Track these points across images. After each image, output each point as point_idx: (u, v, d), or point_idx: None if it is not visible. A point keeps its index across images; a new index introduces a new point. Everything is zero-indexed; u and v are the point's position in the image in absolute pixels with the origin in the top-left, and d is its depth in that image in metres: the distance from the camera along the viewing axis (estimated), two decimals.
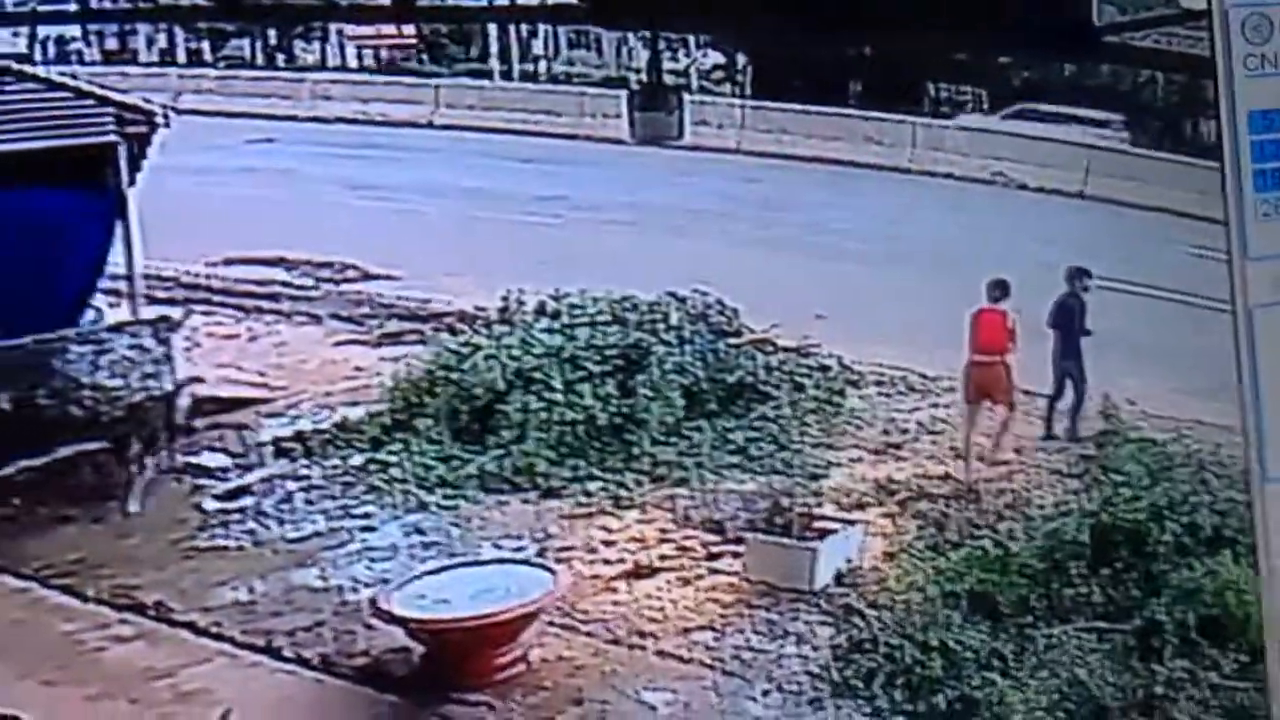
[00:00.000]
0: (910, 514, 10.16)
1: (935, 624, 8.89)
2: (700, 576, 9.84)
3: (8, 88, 11.67)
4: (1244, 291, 7.33)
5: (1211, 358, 7.29)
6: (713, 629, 9.37)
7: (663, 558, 10.03)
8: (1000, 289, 10.15)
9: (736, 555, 9.88)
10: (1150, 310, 9.90)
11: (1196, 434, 9.68)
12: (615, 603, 9.63)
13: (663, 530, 10.30)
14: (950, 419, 10.75)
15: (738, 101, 11.23)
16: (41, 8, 11.13)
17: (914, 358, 10.90)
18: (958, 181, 11.26)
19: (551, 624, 9.25)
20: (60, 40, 11.83)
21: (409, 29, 11.56)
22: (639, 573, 9.91)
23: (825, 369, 11.10)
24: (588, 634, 9.33)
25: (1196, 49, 7.60)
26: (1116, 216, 10.28)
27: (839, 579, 9.60)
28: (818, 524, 9.88)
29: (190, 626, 9.63)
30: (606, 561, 10.03)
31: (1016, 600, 8.92)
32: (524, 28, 11.39)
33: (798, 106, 11.24)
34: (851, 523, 9.97)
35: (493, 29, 11.45)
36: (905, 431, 11.10)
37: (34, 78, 11.94)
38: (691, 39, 10.93)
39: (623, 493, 10.70)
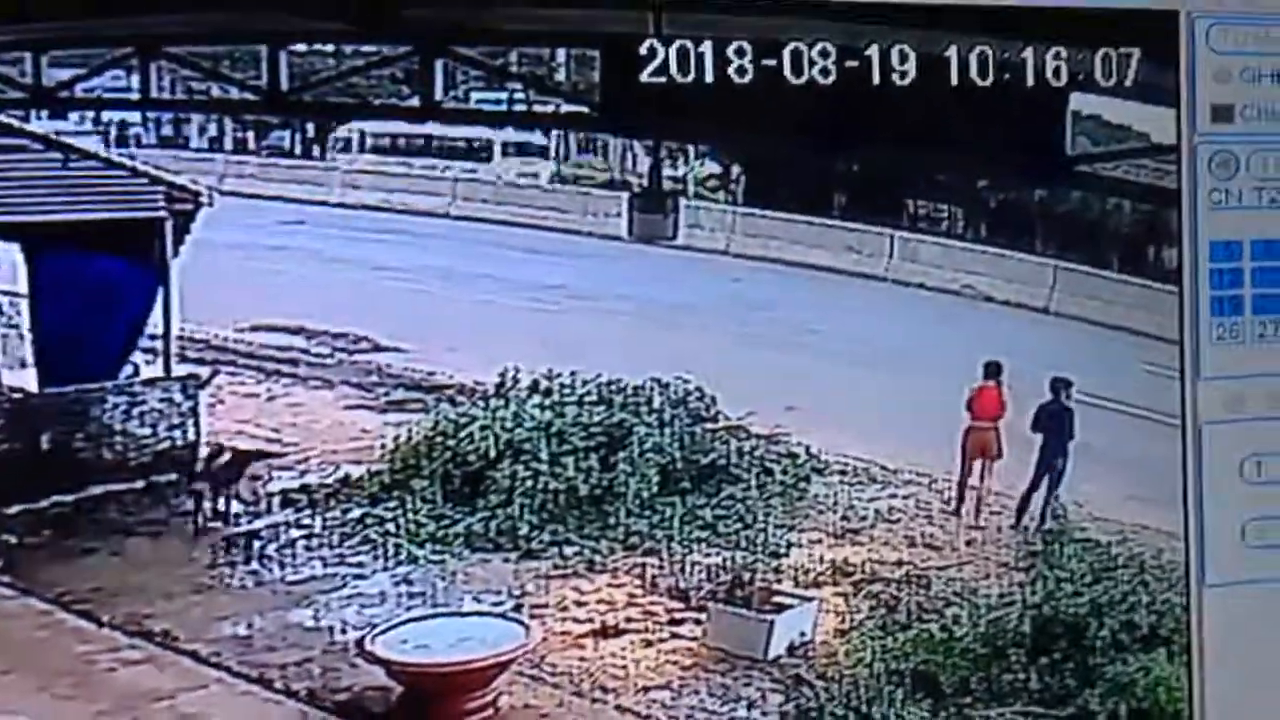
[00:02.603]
0: (863, 595, 9.49)
1: (880, 699, 8.47)
2: (663, 640, 9.38)
3: (72, 164, 11.20)
4: (1194, 408, 6.72)
5: (1159, 468, 6.84)
6: (670, 689, 8.98)
7: (629, 620, 9.51)
8: (995, 368, 9.70)
9: (698, 622, 9.42)
10: (1104, 420, 9.42)
11: (1140, 538, 8.99)
12: (582, 659, 9.16)
13: (631, 595, 9.74)
14: (906, 509, 10.27)
15: (729, 208, 10.74)
16: (106, 95, 10.58)
17: (877, 451, 10.40)
18: (930, 292, 10.81)
19: (521, 674, 8.91)
20: (121, 125, 11.28)
21: (434, 128, 11.10)
22: (606, 632, 9.39)
23: (793, 456, 10.64)
24: (554, 686, 8.96)
25: (1163, 181, 7.11)
26: (1078, 332, 9.77)
27: (792, 650, 9.11)
28: (775, 598, 9.37)
29: (193, 655, 9.28)
30: (576, 620, 9.48)
31: (958, 682, 8.43)
32: (538, 133, 10.96)
33: (785, 215, 10.77)
34: (808, 599, 9.41)
35: (510, 132, 11.02)
36: (864, 518, 10.29)
37: (95, 156, 11.48)
38: (690, 149, 10.45)
39: (596, 558, 10.05)
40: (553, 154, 11.23)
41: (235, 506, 11.26)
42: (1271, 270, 6.90)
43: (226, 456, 11.65)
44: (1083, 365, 9.40)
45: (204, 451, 11.20)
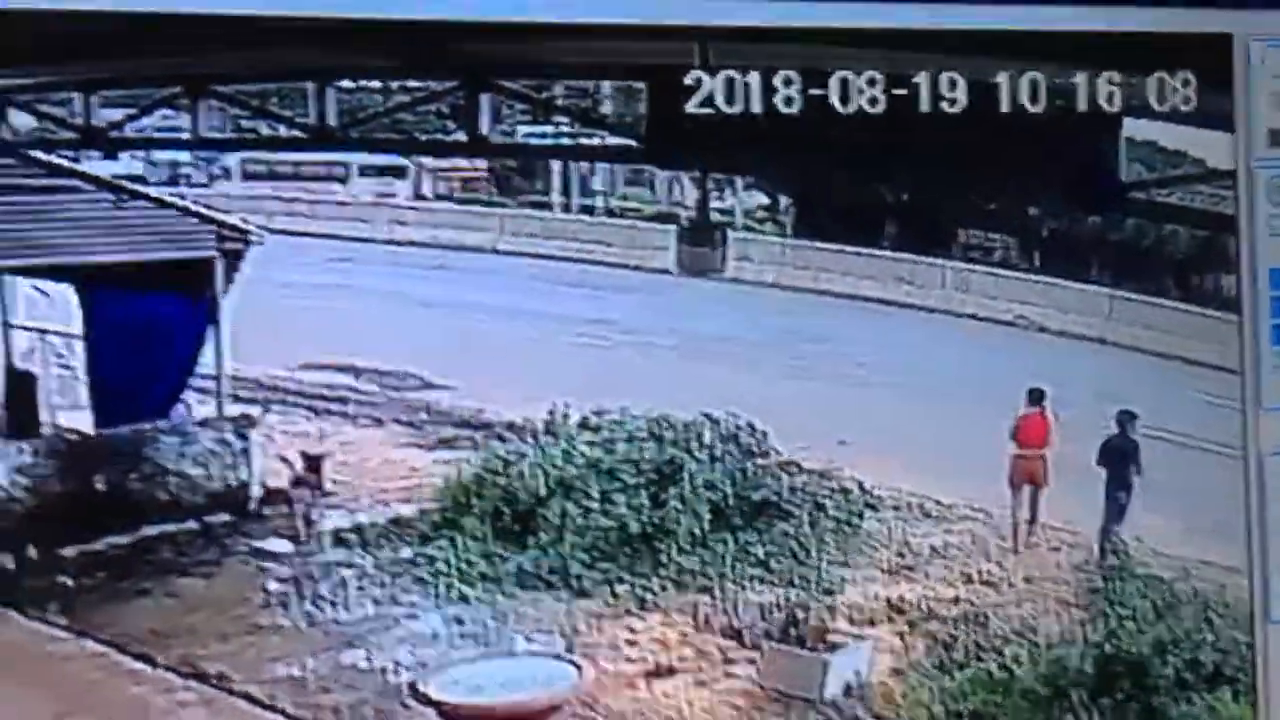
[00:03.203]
0: (919, 633, 9.31)
1: None
2: (716, 680, 9.16)
3: (124, 205, 11.07)
4: (1256, 439, 6.39)
5: (1221, 502, 6.54)
6: None
7: (681, 659, 9.33)
8: (1038, 395, 9.44)
9: (751, 662, 9.19)
10: (1164, 453, 9.15)
11: (1203, 573, 8.74)
12: (635, 699, 9.01)
13: (683, 634, 9.56)
14: (963, 545, 10.01)
15: (778, 240, 10.55)
16: (157, 135, 10.45)
17: (931, 485, 10.15)
18: (982, 322, 10.57)
19: (574, 715, 8.70)
20: (172, 164, 11.18)
21: (481, 163, 10.95)
22: (659, 672, 9.22)
23: (846, 492, 10.43)
24: None
25: (1220, 206, 6.85)
26: (1135, 362, 9.50)
27: (847, 691, 8.88)
28: (830, 637, 9.20)
29: (247, 696, 9.18)
30: (629, 660, 9.31)
31: None
32: (585, 165, 10.79)
33: (835, 246, 10.55)
34: (862, 638, 9.23)
35: (556, 166, 10.86)
36: (918, 555, 10.09)
37: (147, 197, 11.35)
38: (738, 180, 10.26)
39: (648, 596, 9.87)
40: (600, 187, 11.05)
41: (284, 545, 11.23)
42: None
43: (300, 464, 11.65)
44: (1140, 396, 9.18)
45: (286, 470, 10.99)
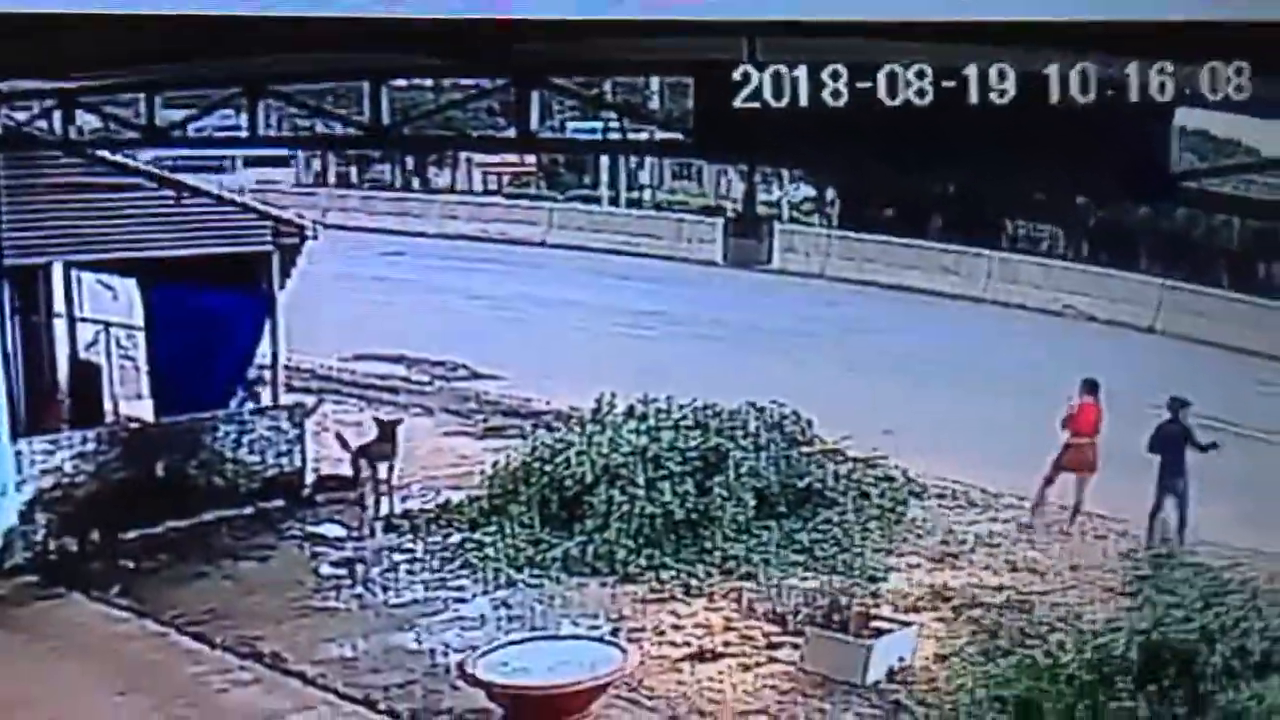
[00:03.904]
0: (963, 620, 9.05)
1: None
2: (760, 664, 8.76)
3: (185, 200, 10.79)
4: None
5: (1272, 490, 6.11)
6: (768, 714, 8.24)
7: (726, 644, 9.00)
8: (1092, 385, 9.03)
9: (795, 647, 8.84)
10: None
11: (1253, 562, 8.60)
12: (679, 682, 8.57)
13: (728, 619, 9.31)
14: (1007, 533, 9.71)
15: (824, 231, 10.29)
16: (216, 133, 10.17)
17: (977, 474, 9.83)
18: (1029, 312, 10.20)
19: (620, 697, 8.32)
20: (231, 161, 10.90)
21: (529, 158, 10.69)
22: (703, 656, 8.87)
23: (890, 479, 10.19)
24: (652, 709, 8.36)
25: (1275, 195, 6.42)
26: (1186, 351, 9.08)
27: (891, 676, 8.45)
28: (874, 623, 8.80)
29: (300, 676, 8.89)
30: (674, 644, 9.01)
31: (1063, 710, 7.55)
32: (632, 159, 10.49)
33: (881, 237, 10.22)
34: (906, 624, 8.90)
35: (604, 160, 10.58)
36: (963, 542, 10.07)
37: (207, 194, 11.07)
38: (785, 173, 9.95)
39: (693, 582, 9.69)
40: (647, 181, 10.76)
41: (337, 530, 10.94)
42: None
43: (375, 433, 11.45)
44: (1192, 385, 8.86)
45: (362, 438, 11.17)
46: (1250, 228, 8.64)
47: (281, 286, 11.32)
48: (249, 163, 10.95)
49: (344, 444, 10.99)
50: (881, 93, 6.66)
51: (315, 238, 11.19)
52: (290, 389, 11.65)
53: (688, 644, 8.99)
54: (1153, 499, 9.43)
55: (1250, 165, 7.18)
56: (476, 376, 10.97)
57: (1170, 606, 8.10)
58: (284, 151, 10.69)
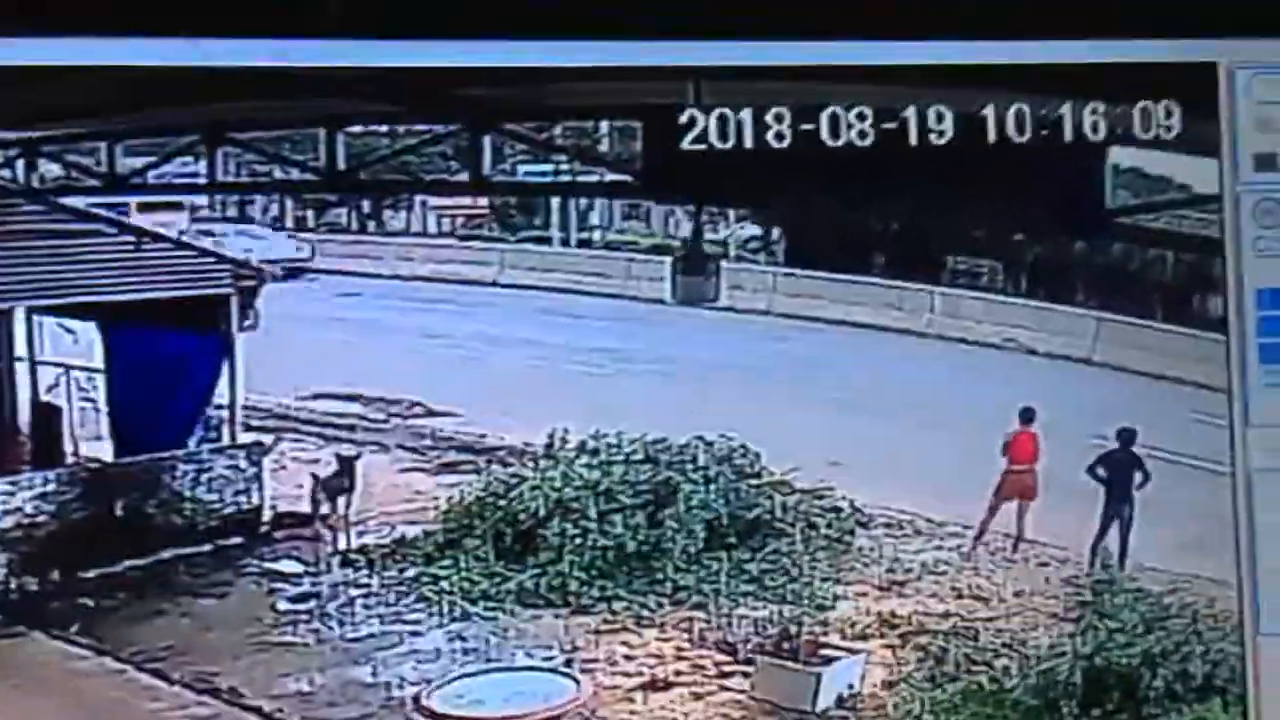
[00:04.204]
0: (910, 647, 8.90)
1: None
2: (711, 692, 8.81)
3: (145, 247, 10.79)
4: (1245, 456, 5.96)
5: (1210, 517, 6.18)
6: None
7: (678, 673, 8.97)
8: (1028, 414, 9.12)
9: (746, 675, 8.86)
10: (1153, 470, 8.83)
11: (1193, 587, 8.35)
12: (632, 711, 8.67)
13: (679, 648, 9.18)
14: (952, 561, 9.66)
15: (770, 269, 10.24)
16: (176, 180, 10.20)
17: (922, 504, 9.83)
18: (971, 346, 10.25)
19: None
20: (191, 208, 10.90)
21: (482, 200, 10.68)
22: (655, 685, 8.88)
23: (838, 510, 10.11)
24: None
25: (1206, 230, 6.51)
26: (1123, 382, 9.16)
27: (840, 703, 8.52)
28: (823, 651, 8.81)
29: (258, 711, 8.94)
30: (626, 674, 8.96)
31: None
32: (582, 201, 10.51)
33: (825, 274, 10.24)
34: (855, 652, 8.83)
35: (555, 201, 10.58)
36: (909, 571, 9.73)
37: (166, 238, 11.06)
38: (731, 213, 9.95)
39: (645, 613, 9.49)
40: (597, 222, 10.83)
41: (294, 566, 10.93)
42: None
43: (334, 466, 11.28)
44: (1129, 415, 8.87)
45: (321, 471, 10.73)
46: (1183, 262, 8.67)
47: (240, 328, 11.37)
48: (141, 209, 11.03)
49: (316, 480, 11.02)
50: (824, 134, 6.78)
51: (273, 280, 11.26)
52: (248, 428, 11.46)
53: (640, 673, 9.00)
54: (1097, 526, 9.48)
55: (1181, 201, 7.29)
56: (431, 414, 10.90)
57: (1113, 631, 8.18)
58: (176, 198, 10.79)
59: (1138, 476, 9.21)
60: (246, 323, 10.81)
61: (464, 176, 9.21)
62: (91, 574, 10.19)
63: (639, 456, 10.37)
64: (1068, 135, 6.65)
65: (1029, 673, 8.14)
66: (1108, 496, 9.20)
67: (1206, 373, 6.72)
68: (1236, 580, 6.48)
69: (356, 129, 9.45)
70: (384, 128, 9.67)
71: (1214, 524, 6.60)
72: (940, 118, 6.62)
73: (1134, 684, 7.82)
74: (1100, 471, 9.41)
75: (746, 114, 6.65)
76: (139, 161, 9.71)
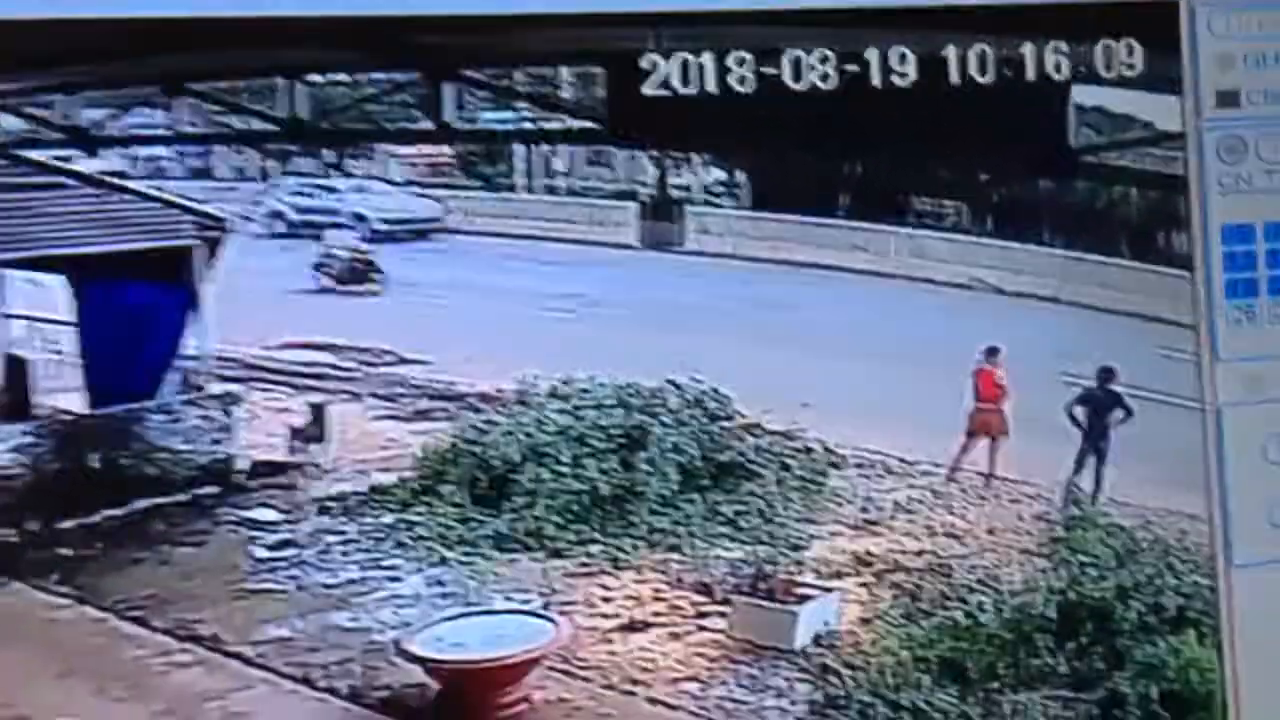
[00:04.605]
0: (885, 585, 8.94)
1: (907, 685, 7.87)
2: (689, 633, 8.80)
3: (109, 199, 10.69)
4: (1213, 390, 5.89)
5: (1180, 452, 6.13)
6: (699, 680, 8.42)
7: (655, 614, 8.98)
8: (993, 352, 9.29)
9: (722, 615, 8.85)
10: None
11: (1164, 521, 8.48)
12: (611, 653, 8.64)
13: (656, 590, 9.20)
14: (926, 500, 9.71)
15: (735, 212, 10.19)
16: (137, 132, 10.11)
17: (894, 443, 9.84)
18: (937, 286, 10.24)
19: (553, 669, 8.42)
20: (152, 159, 10.80)
21: (445, 149, 10.57)
22: (633, 627, 8.87)
23: (810, 451, 10.13)
24: (585, 679, 8.47)
25: (1170, 168, 6.46)
26: (1091, 320, 9.15)
27: (817, 640, 8.50)
28: (799, 590, 8.82)
29: (239, 657, 8.90)
30: (604, 616, 8.98)
31: (985, 668, 7.82)
32: (546, 148, 10.43)
33: (791, 217, 10.18)
34: (830, 590, 8.86)
35: (519, 149, 10.50)
36: (882, 510, 9.81)
37: (130, 190, 10.97)
38: (695, 158, 9.89)
39: (621, 555, 9.50)
40: (562, 168, 10.74)
41: (270, 514, 10.90)
42: None
43: (309, 415, 11.24)
44: (1097, 351, 8.88)
45: (295, 420, 10.86)
46: (1148, 199, 8.66)
47: (206, 279, 11.28)
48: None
49: (291, 430, 10.97)
50: (787, 77, 6.69)
51: (237, 231, 11.18)
52: (220, 378, 11.39)
53: (618, 615, 8.99)
54: (1072, 463, 9.52)
55: (1145, 139, 7.27)
56: (402, 362, 10.86)
57: (1085, 566, 8.24)
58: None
59: (1118, 414, 9.26)
60: (211, 273, 10.77)
61: (426, 125, 9.11)
62: (69, 524, 10.15)
63: (610, 401, 10.35)
64: (1030, 75, 6.57)
65: (1003, 607, 8.17)
66: (1085, 434, 9.24)
67: (1173, 309, 6.67)
68: (1208, 513, 6.43)
69: (317, 78, 9.37)
70: (344, 77, 9.59)
71: (1184, 458, 6.56)
72: (903, 59, 6.54)
73: (1107, 617, 7.87)
74: (1078, 412, 9.46)
75: (708, 58, 6.53)
76: (100, 113, 9.63)
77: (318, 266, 11.07)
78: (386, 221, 10.95)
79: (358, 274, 11.21)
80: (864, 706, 7.88)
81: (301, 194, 10.94)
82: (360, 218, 10.91)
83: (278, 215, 10.97)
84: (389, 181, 10.91)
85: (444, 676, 8.30)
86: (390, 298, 10.45)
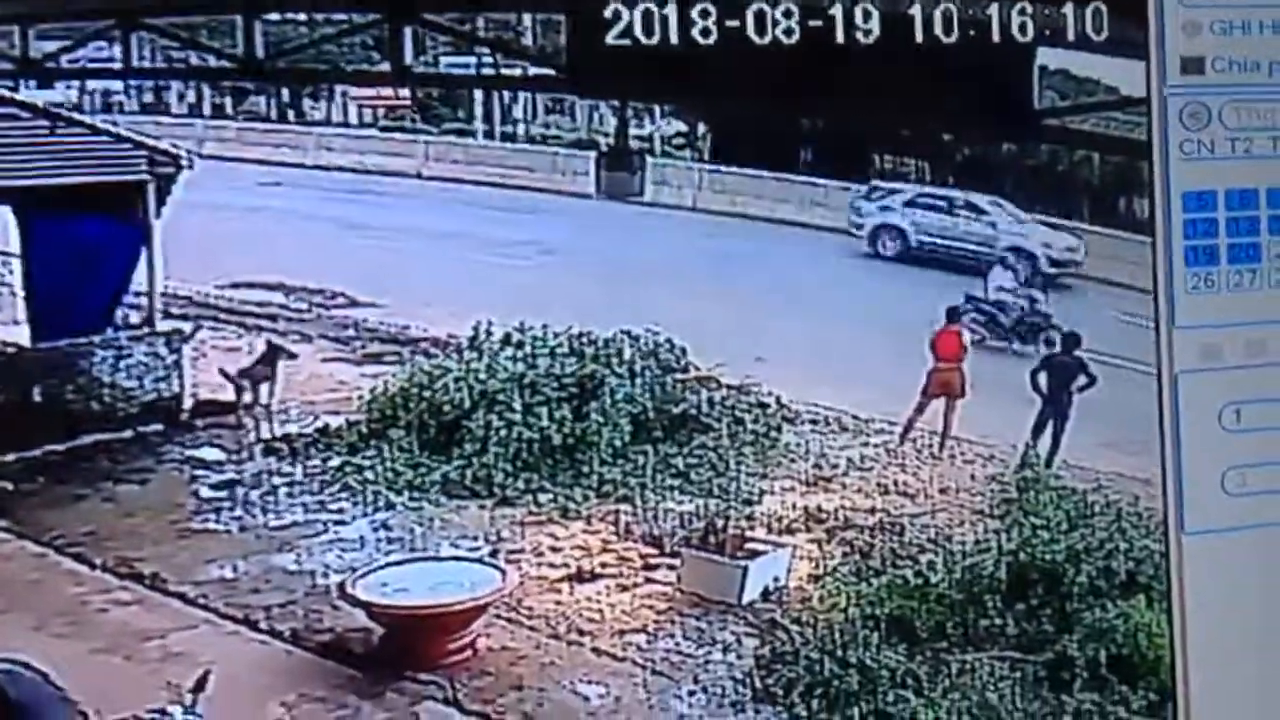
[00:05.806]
0: (836, 541, 8.90)
1: (855, 643, 7.88)
2: (637, 584, 8.78)
3: (59, 131, 10.56)
4: (1170, 357, 5.88)
5: (1135, 417, 6.13)
6: (646, 632, 8.43)
7: (604, 565, 8.93)
8: (954, 312, 9.33)
9: (672, 568, 8.84)
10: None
11: (1116, 485, 8.48)
12: (558, 603, 8.63)
13: (605, 541, 9.16)
14: (878, 457, 9.70)
15: (695, 165, 10.13)
16: (90, 65, 10.00)
17: (848, 400, 9.84)
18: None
19: (499, 617, 8.42)
20: (105, 93, 10.68)
21: (404, 92, 10.49)
22: (581, 577, 8.83)
23: (764, 406, 10.11)
24: (531, 629, 8.47)
25: (1134, 133, 6.46)
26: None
27: (766, 595, 8.49)
28: (749, 545, 8.78)
29: (181, 597, 8.85)
30: (552, 565, 8.91)
31: (933, 627, 7.85)
32: (506, 95, 10.35)
33: (750, 171, 10.14)
34: (780, 546, 8.81)
35: (479, 95, 10.42)
36: (835, 466, 9.76)
37: (82, 123, 10.84)
38: (656, 109, 9.83)
39: (571, 505, 9.44)
40: (521, 115, 10.67)
41: (216, 454, 10.82)
42: (1246, 220, 6.24)
43: (261, 350, 11.12)
44: (1056, 314, 8.89)
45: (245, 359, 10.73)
46: (1110, 163, 8.65)
47: (158, 215, 11.15)
48: None
49: (226, 376, 10.84)
50: (750, 31, 6.68)
51: (191, 167, 11.06)
52: (168, 315, 11.28)
53: (566, 565, 8.92)
54: (1030, 425, 9.53)
55: (1109, 103, 7.28)
56: (355, 304, 10.78)
57: (1037, 528, 8.23)
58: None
59: (1081, 379, 9.28)
60: (163, 209, 10.69)
61: (385, 67, 9.10)
62: (10, 458, 10.03)
63: (564, 350, 10.28)
64: (995, 36, 6.58)
65: (954, 568, 8.16)
66: (1046, 399, 9.26)
67: (1132, 274, 6.67)
68: (1161, 479, 6.44)
69: (274, 16, 9.29)
70: (302, 16, 9.52)
71: (1139, 423, 6.57)
72: (867, 16, 6.53)
73: (1058, 579, 7.88)
74: (1041, 378, 9.49)
75: (671, 9, 6.53)
76: (53, 45, 9.52)
77: None
78: None
79: None
80: (811, 663, 7.87)
81: None
82: None
83: None
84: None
85: (387, 622, 8.29)
86: (345, 240, 10.40)
